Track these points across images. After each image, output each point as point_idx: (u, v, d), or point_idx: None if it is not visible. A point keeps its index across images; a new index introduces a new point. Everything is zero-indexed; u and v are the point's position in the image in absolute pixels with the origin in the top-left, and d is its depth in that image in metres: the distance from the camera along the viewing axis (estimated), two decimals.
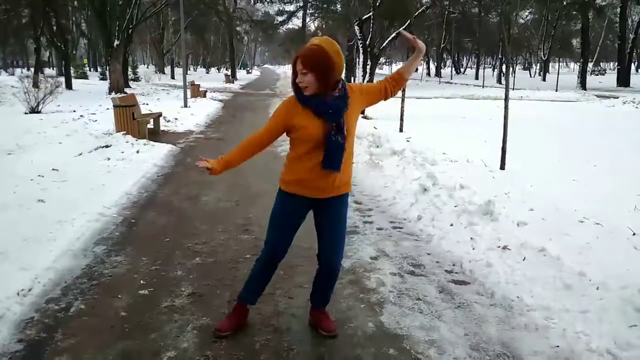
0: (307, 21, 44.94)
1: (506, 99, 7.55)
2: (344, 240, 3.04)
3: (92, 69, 54.07)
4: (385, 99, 3.08)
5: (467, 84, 39.39)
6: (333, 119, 2.74)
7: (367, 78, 15.56)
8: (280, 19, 47.36)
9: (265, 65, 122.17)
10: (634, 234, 4.22)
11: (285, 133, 2.88)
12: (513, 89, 24.76)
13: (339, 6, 35.69)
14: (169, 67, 50.07)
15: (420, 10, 19.36)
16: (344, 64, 2.98)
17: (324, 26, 44.75)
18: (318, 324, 3.16)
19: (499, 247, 4.22)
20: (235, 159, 2.88)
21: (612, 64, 68.39)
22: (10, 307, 3.25)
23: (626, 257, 3.77)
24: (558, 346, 2.92)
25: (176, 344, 2.97)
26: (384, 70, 60.03)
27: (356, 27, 15.81)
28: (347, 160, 2.87)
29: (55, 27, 27.01)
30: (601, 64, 65.46)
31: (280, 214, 3.00)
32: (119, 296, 3.55)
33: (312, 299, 3.23)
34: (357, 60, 16.78)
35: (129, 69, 34.10)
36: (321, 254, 3.03)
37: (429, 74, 59.94)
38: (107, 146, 8.80)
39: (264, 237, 3.12)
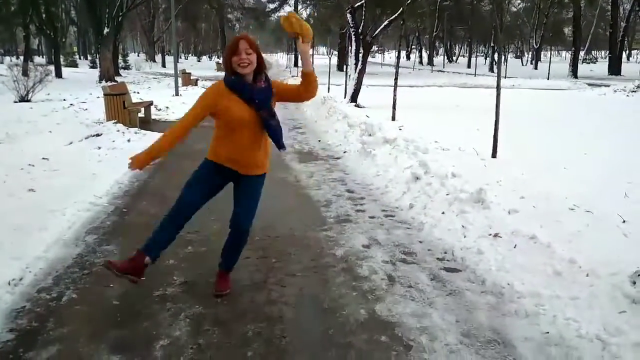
0: (299, 8, 44.66)
1: (498, 87, 7.55)
2: (256, 207, 3.38)
3: (82, 57, 53.57)
4: (301, 100, 3.36)
5: (459, 73, 39.31)
6: (261, 106, 3.11)
7: (359, 66, 15.50)
8: (271, 6, 47.14)
9: None
10: (624, 221, 4.26)
11: (211, 115, 3.17)
12: (505, 77, 24.78)
13: None
14: (159, 56, 49.75)
15: None
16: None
17: (315, 14, 44.54)
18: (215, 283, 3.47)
19: (490, 234, 4.25)
20: (163, 148, 3.13)
21: (603, 52, 68.57)
22: (2, 297, 3.24)
23: (616, 244, 3.80)
24: (548, 332, 2.95)
25: (169, 332, 2.97)
26: (376, 59, 59.86)
27: (348, 15, 15.69)
28: (266, 146, 3.29)
29: (44, 15, 26.71)
30: (593, 52, 65.63)
31: (202, 177, 3.34)
32: (111, 285, 3.54)
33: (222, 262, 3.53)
34: (350, 48, 16.69)
35: (120, 57, 33.87)
36: (234, 218, 3.32)
37: (421, 62, 59.83)
38: (97, 135, 8.73)
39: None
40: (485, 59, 54.48)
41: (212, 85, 3.23)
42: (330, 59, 23.53)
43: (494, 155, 7.13)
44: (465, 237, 4.34)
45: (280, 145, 3.27)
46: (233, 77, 3.11)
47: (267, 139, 3.29)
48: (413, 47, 64.30)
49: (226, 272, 3.52)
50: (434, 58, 56.95)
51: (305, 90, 3.20)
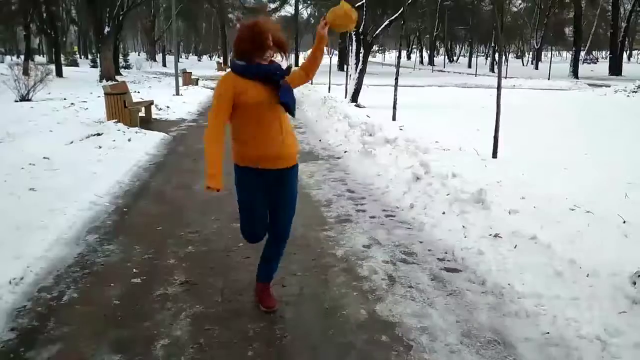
0: (299, 8, 44.68)
1: (499, 87, 7.56)
2: (295, 207, 3.19)
3: (82, 57, 53.58)
4: (305, 82, 3.24)
5: (460, 73, 39.38)
6: (279, 75, 2.93)
7: (360, 66, 15.50)
8: (272, 5, 47.10)
9: None
10: (624, 222, 4.26)
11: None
12: (506, 77, 24.80)
13: None
14: (160, 55, 49.74)
15: None
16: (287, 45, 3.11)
17: (316, 13, 44.54)
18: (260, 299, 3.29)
19: (490, 235, 4.25)
20: (220, 159, 2.90)
21: (604, 52, 68.50)
22: (3, 296, 3.25)
23: (616, 245, 3.81)
24: (548, 333, 2.95)
25: (169, 332, 2.97)
26: (377, 59, 59.88)
27: None
28: (289, 133, 3.07)
29: (45, 14, 26.73)
30: (593, 52, 65.56)
31: (250, 190, 3.12)
32: (112, 285, 3.55)
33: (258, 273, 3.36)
34: (350, 48, 16.69)
35: (120, 57, 33.87)
36: (276, 228, 3.18)
37: (422, 62, 59.85)
38: (98, 134, 8.74)
39: None
40: (486, 59, 54.47)
41: (222, 79, 3.00)
42: (330, 58, 23.49)
43: (494, 155, 7.13)
44: (465, 237, 4.34)
45: (292, 113, 3.02)
46: (239, 61, 2.93)
47: (288, 121, 3.06)
48: (414, 47, 64.31)
49: (268, 283, 3.33)
50: (434, 58, 56.98)
51: (312, 69, 3.16)
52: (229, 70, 3.06)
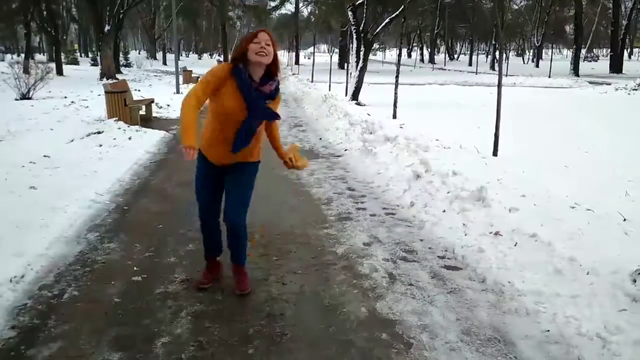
0: (300, 6, 44.63)
1: (499, 85, 7.55)
2: (248, 199, 3.31)
3: (83, 55, 53.59)
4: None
5: (460, 71, 39.36)
6: (253, 113, 3.06)
7: (360, 64, 15.49)
8: (273, 4, 47.08)
9: None
10: (624, 220, 4.26)
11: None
12: (506, 75, 24.77)
13: None
14: (160, 53, 49.74)
15: None
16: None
17: (316, 11, 44.49)
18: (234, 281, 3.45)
19: (491, 233, 4.25)
20: (193, 123, 3.00)
21: (605, 50, 68.41)
22: (3, 294, 3.25)
23: (616, 243, 3.81)
24: (548, 330, 2.95)
25: (170, 329, 2.98)
26: (378, 57, 59.82)
27: (349, 13, 15.69)
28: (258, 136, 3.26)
29: (45, 12, 26.71)
30: (594, 50, 65.50)
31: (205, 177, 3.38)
32: (113, 283, 3.55)
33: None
34: (351, 46, 16.67)
35: (120, 55, 33.87)
36: (224, 213, 3.30)
37: (422, 60, 59.78)
38: (98, 132, 8.74)
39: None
40: (487, 56, 54.45)
41: (220, 65, 3.12)
42: (331, 56, 23.51)
43: (495, 153, 7.13)
44: (466, 235, 4.34)
45: (234, 148, 3.14)
46: (242, 66, 3.02)
47: (261, 131, 3.27)
48: (414, 45, 64.23)
49: (238, 265, 3.44)
50: (435, 56, 56.91)
51: (268, 135, 3.41)
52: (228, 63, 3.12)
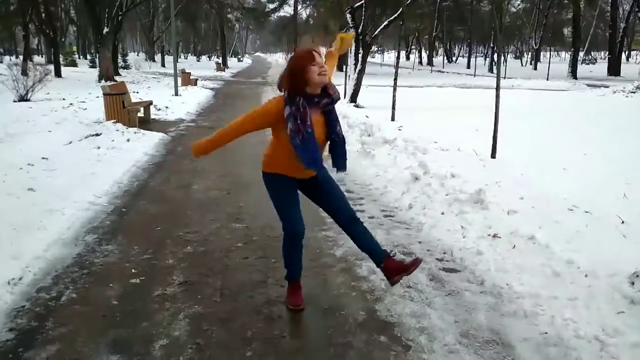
0: (298, 9, 44.56)
1: (497, 87, 7.56)
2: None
3: (81, 57, 53.52)
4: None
5: (458, 73, 39.37)
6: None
7: (359, 66, 15.50)
8: (271, 6, 46.98)
9: (257, 54, 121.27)
10: (622, 222, 4.26)
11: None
12: (504, 77, 24.79)
13: None
14: (159, 55, 49.67)
15: None
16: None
17: (315, 14, 44.53)
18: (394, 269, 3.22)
19: (489, 235, 4.25)
20: (224, 141, 3.05)
21: (603, 53, 68.54)
22: (1, 296, 3.24)
23: (615, 245, 3.81)
24: (547, 333, 2.95)
25: (168, 332, 2.97)
26: (376, 59, 59.87)
27: (348, 15, 15.70)
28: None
29: (43, 14, 26.65)
30: (592, 53, 65.61)
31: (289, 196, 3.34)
32: (111, 285, 3.54)
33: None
34: (349, 48, 16.68)
35: (119, 57, 33.82)
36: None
37: (420, 62, 59.83)
38: (97, 134, 8.73)
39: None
40: (485, 59, 54.46)
41: (274, 104, 2.97)
42: None
43: (493, 155, 7.13)
44: (464, 237, 4.35)
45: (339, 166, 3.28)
46: (300, 98, 2.91)
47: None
48: (412, 47, 64.28)
49: (389, 259, 3.29)
50: (433, 58, 56.92)
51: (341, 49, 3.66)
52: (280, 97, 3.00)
